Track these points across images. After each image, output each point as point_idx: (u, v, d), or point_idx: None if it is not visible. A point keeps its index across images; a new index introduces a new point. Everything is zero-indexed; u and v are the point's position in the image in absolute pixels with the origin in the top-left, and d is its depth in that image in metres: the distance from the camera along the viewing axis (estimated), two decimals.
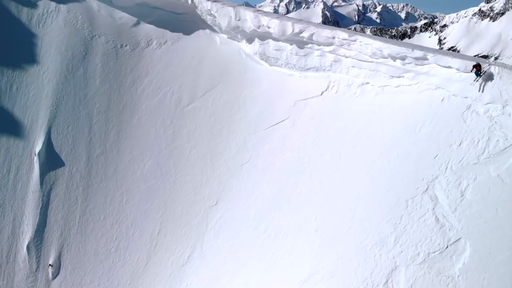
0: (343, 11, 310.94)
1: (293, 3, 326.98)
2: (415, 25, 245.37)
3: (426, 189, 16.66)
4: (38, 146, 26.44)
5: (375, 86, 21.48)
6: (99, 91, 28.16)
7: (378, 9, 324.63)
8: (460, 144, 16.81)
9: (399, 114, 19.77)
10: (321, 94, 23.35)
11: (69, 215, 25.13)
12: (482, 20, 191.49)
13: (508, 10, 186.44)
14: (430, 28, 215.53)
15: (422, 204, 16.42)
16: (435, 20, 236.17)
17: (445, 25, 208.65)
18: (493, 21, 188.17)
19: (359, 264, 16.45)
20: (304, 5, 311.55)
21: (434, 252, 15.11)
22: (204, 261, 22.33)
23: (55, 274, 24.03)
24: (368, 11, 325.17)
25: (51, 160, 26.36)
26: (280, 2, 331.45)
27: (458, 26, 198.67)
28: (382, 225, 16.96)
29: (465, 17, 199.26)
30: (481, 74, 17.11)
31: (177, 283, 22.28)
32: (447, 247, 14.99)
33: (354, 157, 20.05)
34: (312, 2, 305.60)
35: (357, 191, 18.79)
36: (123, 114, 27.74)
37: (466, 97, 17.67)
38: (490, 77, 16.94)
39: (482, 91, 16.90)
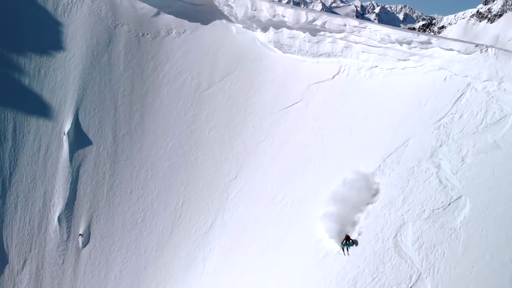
0: (341, 12, 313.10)
1: (291, 3, 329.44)
2: (413, 26, 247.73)
3: (431, 156, 18.70)
4: (67, 126, 28.31)
5: (383, 69, 23.53)
6: (123, 76, 30.07)
7: (377, 10, 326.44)
8: (461, 116, 18.87)
9: (405, 94, 21.82)
10: (333, 78, 25.37)
11: (97, 189, 27.03)
12: (480, 21, 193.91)
13: (506, 12, 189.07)
14: (428, 30, 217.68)
15: (427, 169, 18.45)
16: (433, 21, 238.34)
17: (443, 27, 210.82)
18: (491, 22, 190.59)
19: (370, 222, 18.44)
20: (302, 6, 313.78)
21: (438, 208, 17.12)
22: (225, 228, 24.29)
23: (85, 243, 25.93)
24: (367, 12, 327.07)
25: (79, 139, 28.25)
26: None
27: (456, 28, 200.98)
28: (391, 189, 18.96)
29: (463, 18, 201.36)
30: (348, 243, 17.78)
31: (200, 249, 24.24)
32: (449, 204, 17.01)
33: (365, 133, 22.08)
34: (311, 2, 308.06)
35: (368, 162, 20.76)
36: (146, 97, 29.67)
37: (466, 76, 19.76)
38: (355, 243, 17.80)
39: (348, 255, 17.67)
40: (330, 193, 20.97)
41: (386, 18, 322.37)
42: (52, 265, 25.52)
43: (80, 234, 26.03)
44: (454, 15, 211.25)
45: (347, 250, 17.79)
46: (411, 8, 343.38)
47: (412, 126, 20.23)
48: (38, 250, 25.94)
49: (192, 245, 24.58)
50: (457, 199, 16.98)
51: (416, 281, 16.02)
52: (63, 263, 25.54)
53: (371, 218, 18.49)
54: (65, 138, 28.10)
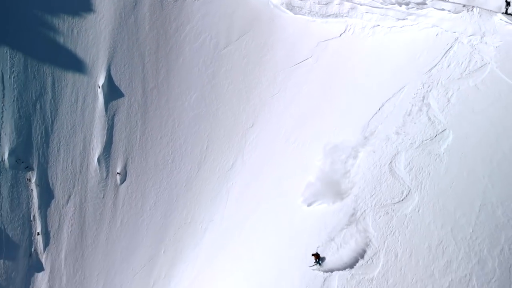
0: None
1: None
2: None
3: (422, 99, 22.37)
4: (101, 80, 31.72)
5: (384, 28, 26.82)
6: (149, 36, 33.19)
7: None
8: (448, 65, 22.46)
9: (403, 48, 25.27)
10: (340, 36, 28.65)
11: (131, 135, 30.75)
12: None
13: None
14: None
15: (418, 109, 22.15)
16: None
17: None
18: None
19: (369, 153, 22.29)
20: None
21: (426, 139, 20.92)
22: (245, 166, 28.21)
23: (122, 180, 29.88)
24: None
25: (113, 92, 31.74)
26: None
27: None
28: (388, 127, 22.72)
29: None
30: (319, 261, 19.69)
31: (224, 184, 28.26)
32: (436, 135, 20.80)
33: (367, 81, 25.66)
34: None
35: (369, 106, 24.40)
36: (170, 55, 32.90)
37: (455, 32, 23.23)
38: (323, 259, 19.69)
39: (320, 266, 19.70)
40: (336, 133, 24.77)
41: None
42: (94, 199, 29.56)
43: (117, 173, 29.94)
44: None
45: (319, 264, 19.76)
46: None
47: (407, 75, 23.79)
48: (81, 187, 29.90)
49: (217, 180, 28.57)
50: (442, 131, 20.75)
51: (406, 196, 20.03)
52: (103, 197, 29.57)
53: (370, 150, 22.33)
54: (99, 90, 31.58)
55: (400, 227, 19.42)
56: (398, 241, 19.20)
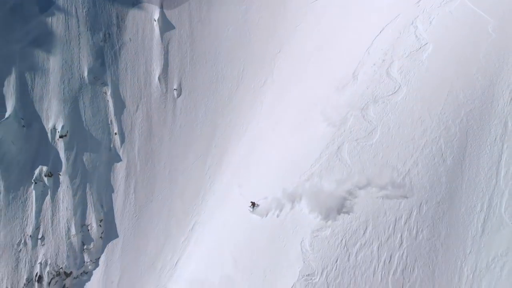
0: None
1: None
2: None
3: (411, 23, 30.37)
4: (156, 15, 39.30)
5: None
6: None
7: None
8: None
9: None
10: None
11: (182, 60, 38.74)
12: None
13: None
14: None
15: (409, 30, 30.21)
16: None
17: None
18: None
19: (371, 66, 30.42)
20: None
21: (413, 51, 29.02)
22: (274, 84, 36.49)
23: (179, 94, 38.19)
24: None
25: (165, 25, 39.39)
26: None
27: None
28: (386, 44, 30.78)
29: None
30: (253, 207, 26.79)
31: (258, 97, 36.63)
32: (420, 47, 28.91)
33: (372, 12, 33.53)
34: None
35: (372, 30, 32.34)
36: None
37: None
38: (257, 206, 26.90)
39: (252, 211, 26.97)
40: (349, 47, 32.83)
41: None
42: (157, 109, 37.99)
43: (174, 89, 38.17)
44: None
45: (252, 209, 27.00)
46: None
47: (402, 5, 31.68)
48: (146, 99, 38.22)
49: (252, 94, 36.95)
50: (425, 44, 28.87)
51: (397, 90, 28.35)
52: (165, 107, 37.99)
53: (369, 59, 30.55)
54: (155, 23, 39.21)
55: (392, 110, 27.88)
56: (391, 119, 27.67)
